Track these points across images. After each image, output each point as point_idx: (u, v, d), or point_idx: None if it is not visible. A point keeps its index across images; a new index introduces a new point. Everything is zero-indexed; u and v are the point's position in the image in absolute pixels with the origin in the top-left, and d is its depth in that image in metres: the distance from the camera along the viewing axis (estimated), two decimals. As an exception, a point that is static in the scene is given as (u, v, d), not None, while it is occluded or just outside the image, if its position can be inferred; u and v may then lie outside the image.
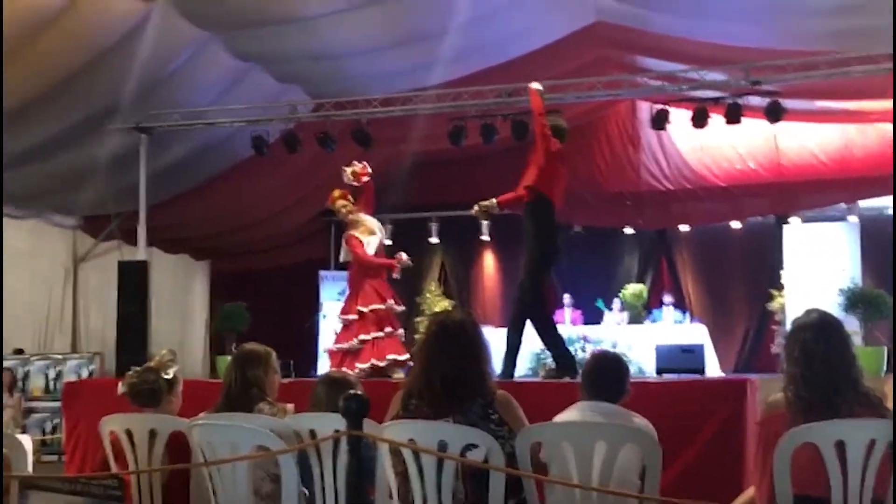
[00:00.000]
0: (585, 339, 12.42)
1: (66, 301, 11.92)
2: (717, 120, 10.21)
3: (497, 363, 6.14)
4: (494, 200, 6.53)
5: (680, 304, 14.57)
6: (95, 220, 11.69)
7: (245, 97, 10.06)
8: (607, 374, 4.04)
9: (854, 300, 10.16)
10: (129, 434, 4.23)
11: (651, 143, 13.60)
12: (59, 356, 11.04)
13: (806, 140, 12.74)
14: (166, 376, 4.53)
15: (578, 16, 9.68)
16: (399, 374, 6.92)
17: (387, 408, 3.81)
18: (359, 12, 8.48)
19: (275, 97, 10.38)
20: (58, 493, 3.49)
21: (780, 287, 12.67)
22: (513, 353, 6.41)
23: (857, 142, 12.48)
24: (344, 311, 7.44)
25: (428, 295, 15.03)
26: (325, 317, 13.88)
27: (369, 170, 7.75)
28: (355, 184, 7.68)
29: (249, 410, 4.27)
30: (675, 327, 13.50)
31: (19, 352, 10.99)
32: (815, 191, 13.21)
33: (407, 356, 7.05)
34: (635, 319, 13.97)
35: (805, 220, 13.55)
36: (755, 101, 9.90)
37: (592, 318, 13.96)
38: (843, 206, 13.71)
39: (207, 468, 3.83)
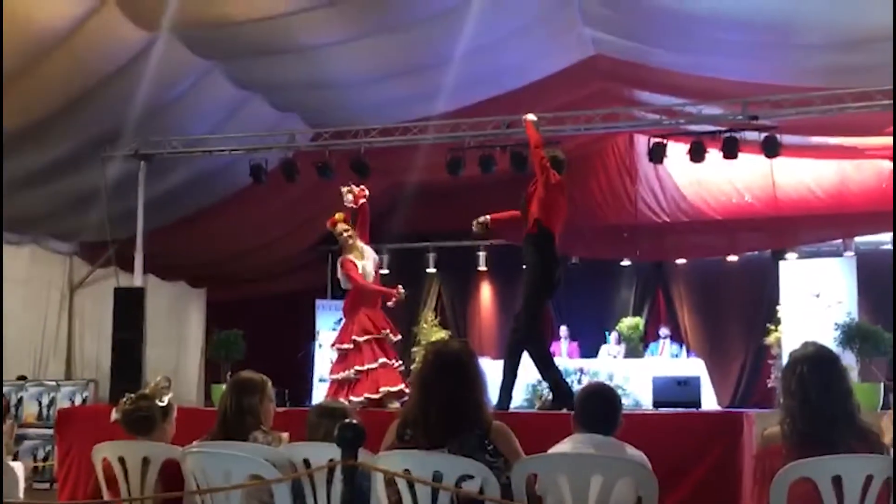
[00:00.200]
0: (582, 371, 12.40)
1: (60, 327, 11.88)
2: (714, 154, 10.25)
3: (493, 394, 6.13)
4: (489, 217, 6.77)
5: (676, 338, 14.56)
6: (92, 246, 11.68)
7: (244, 125, 10.10)
8: (600, 406, 4.03)
9: (850, 335, 10.14)
10: (122, 461, 4.20)
11: (648, 175, 13.65)
12: (53, 382, 10.99)
13: (802, 175, 12.80)
14: (161, 403, 4.50)
15: (577, 49, 9.75)
16: (395, 405, 6.87)
17: (382, 437, 3.79)
18: (358, 43, 8.54)
19: (274, 126, 10.42)
20: (49, 519, 3.46)
21: (776, 322, 12.68)
22: (509, 383, 6.40)
23: (853, 178, 12.54)
24: (339, 341, 7.40)
25: (424, 325, 15.01)
26: (320, 346, 13.85)
27: (366, 192, 7.75)
28: (353, 206, 7.67)
29: (244, 439, 4.25)
30: (672, 360, 13.49)
31: (22, 378, 10.95)
32: (812, 226, 13.25)
33: (402, 386, 7.00)
34: (632, 352, 13.95)
35: (801, 256, 13.58)
36: (752, 135, 9.96)
37: (589, 350, 13.95)
38: (839, 241, 13.75)
39: (200, 496, 3.80)
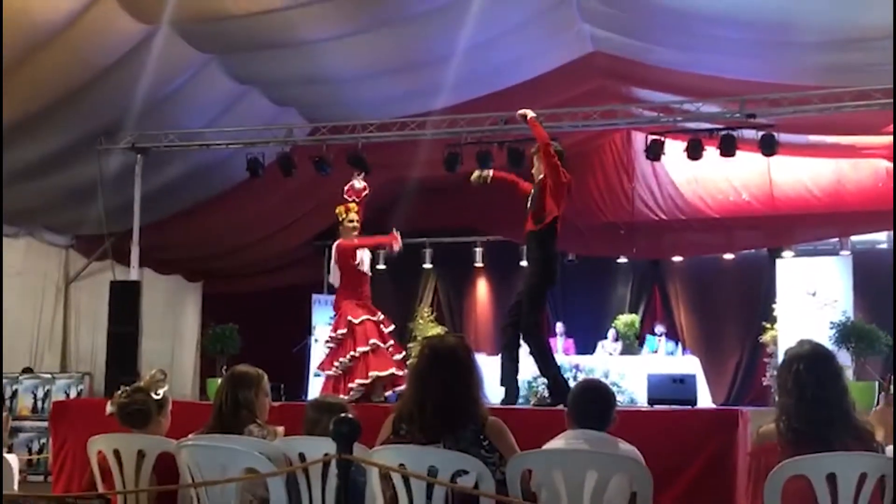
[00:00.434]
0: (577, 368, 12.41)
1: (56, 320, 11.87)
2: (711, 152, 10.26)
3: (489, 390, 6.13)
4: (491, 172, 6.81)
5: (672, 335, 14.58)
6: (88, 239, 11.66)
7: (241, 119, 10.09)
8: (594, 402, 4.03)
9: (846, 334, 10.18)
10: (117, 454, 4.20)
11: (645, 173, 13.64)
12: (48, 375, 10.98)
13: (799, 174, 12.80)
14: (156, 396, 4.50)
15: (576, 46, 9.74)
16: (381, 399, 6.85)
17: (378, 432, 3.79)
18: (356, 38, 8.53)
19: (271, 120, 10.41)
20: (43, 512, 3.46)
21: (772, 320, 12.70)
22: (514, 376, 6.41)
23: (850, 177, 12.55)
24: (333, 330, 7.37)
25: (420, 320, 15.02)
26: (316, 340, 13.84)
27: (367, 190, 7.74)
28: (356, 198, 7.63)
29: (239, 432, 4.25)
30: (668, 358, 13.51)
31: (27, 371, 10.95)
32: (808, 225, 13.26)
33: (392, 370, 6.95)
34: (628, 350, 13.96)
35: (798, 254, 13.60)
36: (749, 133, 9.96)
37: (585, 347, 13.96)
38: (835, 240, 13.77)
39: (195, 489, 3.80)
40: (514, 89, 10.03)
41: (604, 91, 10.98)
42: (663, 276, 15.53)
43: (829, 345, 8.79)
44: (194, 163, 10.75)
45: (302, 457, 3.77)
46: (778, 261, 13.06)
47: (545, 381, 6.79)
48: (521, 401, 10.49)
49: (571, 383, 6.47)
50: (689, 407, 7.68)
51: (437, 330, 14.28)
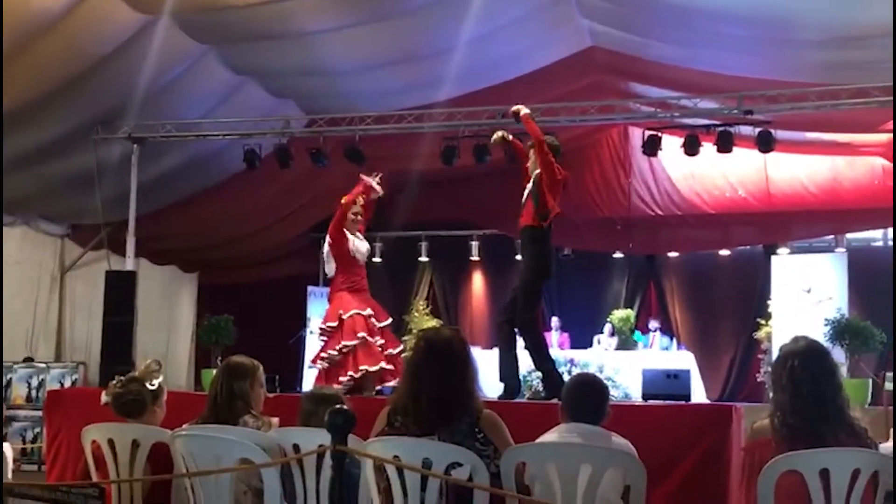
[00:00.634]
0: (572, 362, 12.43)
1: (51, 309, 11.85)
2: (708, 148, 10.27)
3: (485, 384, 6.13)
4: (510, 136, 6.75)
5: (667, 331, 14.60)
6: (84, 228, 11.64)
7: (238, 111, 10.08)
8: (588, 396, 4.04)
9: (840, 331, 10.20)
10: (112, 444, 4.20)
11: (642, 168, 13.66)
12: (43, 364, 10.96)
13: (796, 171, 12.82)
14: (151, 386, 4.50)
15: (574, 40, 9.74)
16: (371, 392, 6.84)
17: (373, 424, 3.79)
18: (355, 30, 8.51)
19: (268, 111, 10.40)
20: (37, 500, 3.45)
21: (766, 316, 12.72)
22: (515, 369, 6.43)
23: (846, 174, 12.58)
24: (323, 322, 7.35)
25: (416, 313, 15.02)
26: (311, 332, 13.83)
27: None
28: (364, 196, 7.54)
29: (234, 423, 4.25)
30: (662, 353, 13.55)
31: (28, 360, 10.93)
32: (804, 222, 13.29)
33: (380, 366, 6.92)
34: (623, 345, 13.99)
35: (793, 251, 13.63)
36: (746, 130, 9.97)
37: (580, 341, 13.98)
38: (830, 237, 13.80)
39: (189, 479, 3.80)
40: (512, 83, 10.03)
41: (602, 86, 10.98)
42: (659, 271, 15.55)
43: (823, 342, 8.80)
44: (191, 153, 10.74)
45: (296, 448, 3.77)
46: (773, 257, 13.08)
47: (539, 375, 6.79)
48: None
49: (566, 378, 6.49)
50: (684, 402, 7.71)
51: (433, 323, 14.28)
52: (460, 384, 3.68)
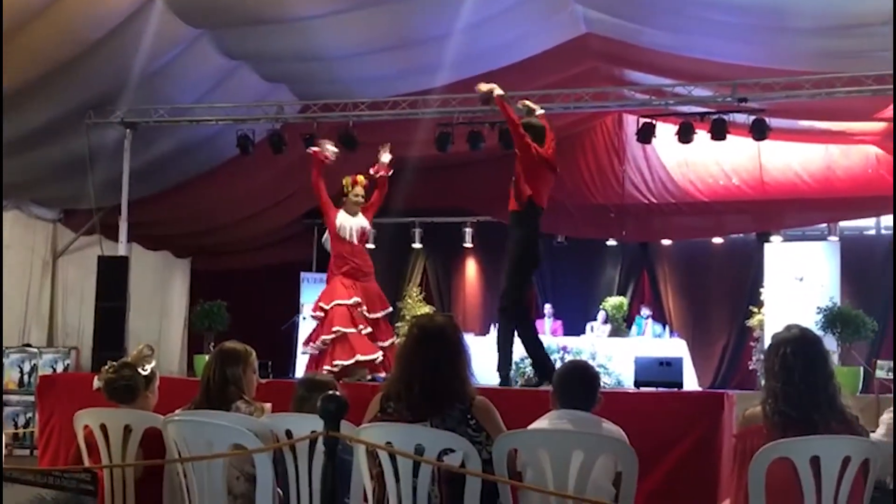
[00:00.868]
0: (565, 349, 12.44)
1: (43, 294, 11.83)
2: (702, 136, 10.27)
3: (479, 371, 6.14)
4: (497, 91, 6.46)
5: (660, 318, 14.63)
6: (76, 213, 11.62)
7: (232, 96, 10.04)
8: (578, 382, 4.05)
9: (832, 319, 10.23)
10: (104, 429, 4.20)
11: (636, 156, 13.66)
12: (35, 349, 10.95)
13: (790, 159, 12.84)
14: (143, 372, 4.50)
15: (569, 27, 9.71)
16: (358, 378, 6.83)
17: (365, 411, 3.80)
18: (349, 15, 8.48)
19: (262, 97, 10.36)
20: (30, 485, 3.45)
21: (759, 304, 12.76)
22: (508, 358, 6.42)
23: (840, 163, 12.60)
24: (313, 308, 7.34)
25: (409, 300, 15.03)
26: (304, 319, 13.83)
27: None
28: (374, 173, 7.45)
29: (227, 408, 4.25)
30: (655, 341, 13.57)
31: (27, 346, 10.92)
32: (798, 210, 13.31)
33: (355, 359, 6.84)
34: (616, 332, 14.01)
35: (786, 239, 13.66)
36: (740, 118, 9.98)
37: (573, 328, 14.00)
38: (824, 225, 13.83)
39: (182, 465, 3.80)
40: (507, 70, 10.00)
41: (596, 73, 10.96)
42: (652, 259, 15.57)
43: (815, 330, 8.85)
44: (184, 138, 10.70)
45: (289, 433, 3.77)
46: (766, 245, 13.10)
47: (530, 361, 6.81)
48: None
49: (558, 365, 6.51)
50: (676, 389, 7.75)
51: (426, 310, 14.29)
52: (453, 371, 3.68)
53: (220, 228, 13.44)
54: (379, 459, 3.47)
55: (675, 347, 12.56)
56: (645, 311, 14.34)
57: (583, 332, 13.92)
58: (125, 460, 4.12)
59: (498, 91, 6.51)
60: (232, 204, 12.54)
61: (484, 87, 6.55)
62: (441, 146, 10.49)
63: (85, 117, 9.58)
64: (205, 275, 14.51)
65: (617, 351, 12.40)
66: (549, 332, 13.62)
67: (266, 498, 3.67)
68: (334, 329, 6.95)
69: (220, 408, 4.24)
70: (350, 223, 7.28)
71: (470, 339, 6.32)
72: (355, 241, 7.29)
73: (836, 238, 13.36)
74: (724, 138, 10.02)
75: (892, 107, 9.31)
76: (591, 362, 6.86)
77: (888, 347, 12.00)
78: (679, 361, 9.30)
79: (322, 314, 7.11)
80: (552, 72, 10.43)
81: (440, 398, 3.62)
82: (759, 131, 9.84)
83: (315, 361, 7.11)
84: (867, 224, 14.12)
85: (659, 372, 8.77)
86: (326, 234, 7.45)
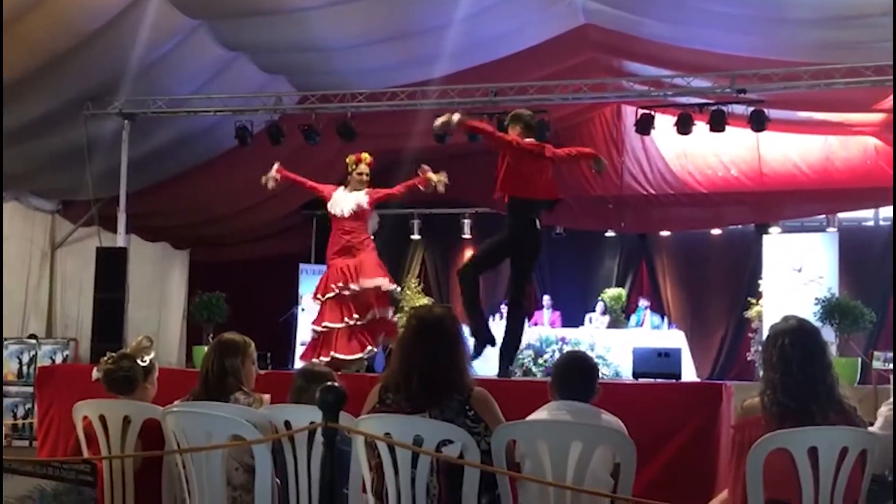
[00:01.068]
0: (563, 340, 12.46)
1: (42, 285, 11.82)
2: (700, 127, 10.27)
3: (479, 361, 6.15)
4: (457, 117, 6.41)
5: (658, 309, 14.64)
6: (74, 204, 11.60)
7: (230, 87, 10.02)
8: (577, 373, 4.06)
9: (830, 310, 10.23)
10: (103, 420, 4.20)
11: (635, 147, 13.64)
12: (33, 340, 10.95)
13: (788, 151, 12.83)
14: (142, 363, 4.50)
15: (567, 18, 9.69)
16: (355, 367, 6.84)
17: (364, 402, 3.80)
18: (348, 6, 8.45)
19: (260, 88, 10.34)
20: (29, 476, 3.46)
21: (757, 295, 12.77)
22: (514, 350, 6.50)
23: (838, 154, 12.59)
24: (313, 296, 7.34)
25: (408, 291, 15.02)
26: (303, 310, 13.83)
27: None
28: (417, 182, 7.35)
29: (225, 399, 4.25)
30: (653, 332, 13.58)
31: (32, 337, 10.92)
32: (796, 201, 13.31)
33: (331, 356, 6.79)
34: (615, 323, 14.02)
35: (785, 230, 13.66)
36: (739, 109, 9.97)
37: (571, 319, 14.01)
38: (822, 216, 13.84)
39: (181, 456, 3.81)
40: (505, 61, 10.00)
41: (595, 64, 10.94)
42: (651, 250, 15.57)
43: (813, 321, 8.85)
44: (182, 130, 10.68)
45: (288, 425, 3.77)
46: (765, 237, 13.11)
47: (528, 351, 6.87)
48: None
49: (557, 356, 6.55)
50: (674, 380, 7.75)
51: (425, 301, 14.29)
52: (451, 362, 3.68)
53: (218, 220, 13.43)
54: (378, 450, 3.48)
55: (673, 338, 12.57)
56: (643, 303, 14.35)
57: (581, 323, 13.93)
58: (124, 451, 4.13)
59: (456, 117, 6.45)
60: (230, 195, 12.52)
61: (440, 120, 6.48)
62: (439, 137, 10.47)
63: (83, 108, 9.57)
64: (203, 266, 14.50)
65: (615, 342, 12.41)
66: (548, 324, 13.63)
67: (265, 489, 3.67)
68: (323, 324, 6.98)
69: (219, 399, 4.24)
70: (342, 199, 7.19)
71: (468, 330, 6.34)
72: (346, 215, 7.19)
73: (835, 229, 13.36)
74: (722, 129, 10.02)
75: (891, 98, 9.31)
76: (589, 353, 6.88)
77: (886, 338, 12.01)
78: (677, 352, 9.31)
79: (319, 304, 7.14)
80: (551, 63, 10.41)
81: (439, 389, 3.62)
82: (758, 122, 9.84)
83: (311, 347, 7.15)
84: (866, 215, 14.13)
85: (657, 363, 8.78)
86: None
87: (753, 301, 12.88)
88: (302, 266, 14.70)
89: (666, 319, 14.43)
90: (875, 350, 10.69)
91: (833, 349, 9.56)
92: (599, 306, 14.13)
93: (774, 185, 13.07)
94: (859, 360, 10.07)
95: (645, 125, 10.74)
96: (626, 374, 10.79)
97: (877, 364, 10.06)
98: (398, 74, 10.09)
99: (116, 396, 4.43)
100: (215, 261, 14.54)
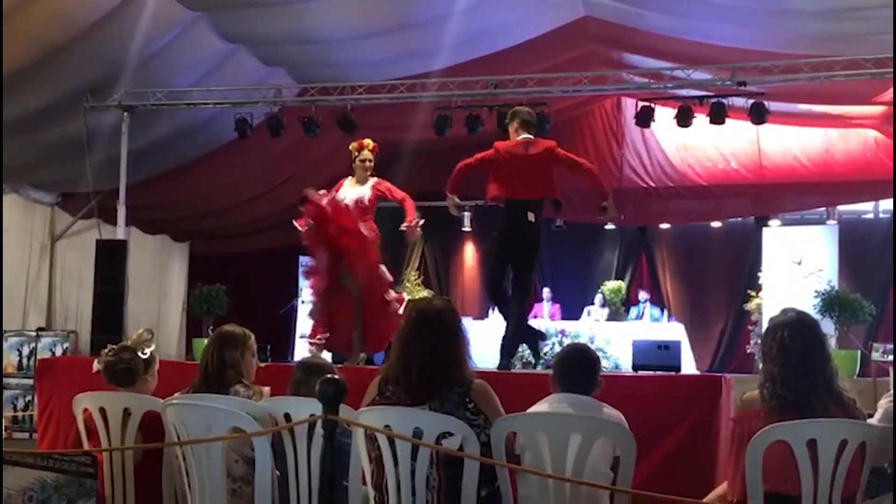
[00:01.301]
0: (563, 333, 12.46)
1: (41, 278, 11.81)
2: (701, 120, 10.26)
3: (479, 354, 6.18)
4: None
5: (658, 302, 14.64)
6: (74, 197, 11.58)
7: (230, 79, 10.00)
8: (579, 366, 4.05)
9: (830, 303, 10.24)
10: (103, 412, 4.20)
11: (635, 140, 13.64)
12: (33, 333, 10.95)
13: (788, 143, 12.83)
14: (143, 355, 4.50)
15: (567, 10, 9.68)
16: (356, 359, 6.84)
17: (364, 394, 3.80)
18: (348, -2, 8.46)
19: (259, 80, 10.33)
20: (30, 468, 3.46)
21: (757, 288, 12.77)
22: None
23: (838, 146, 12.59)
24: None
25: (407, 284, 15.02)
26: (303, 302, 13.84)
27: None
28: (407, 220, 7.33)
29: (225, 392, 4.25)
30: (653, 325, 13.59)
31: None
32: (796, 194, 13.31)
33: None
34: (614, 316, 14.03)
35: (784, 223, 13.66)
36: (739, 102, 9.96)
37: (571, 312, 14.01)
38: (822, 209, 13.83)
39: (181, 448, 3.81)
40: (505, 53, 9.98)
41: (595, 56, 10.93)
42: (650, 242, 15.58)
43: (813, 313, 8.84)
44: (182, 122, 10.67)
45: (288, 417, 3.78)
46: (765, 229, 13.11)
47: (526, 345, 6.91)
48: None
49: (557, 348, 6.57)
50: (674, 373, 7.75)
51: (424, 293, 14.30)
52: (451, 354, 3.68)
53: (218, 212, 13.42)
54: (377, 443, 3.48)
55: (673, 331, 12.57)
56: (643, 295, 14.35)
57: (580, 316, 13.93)
58: (124, 444, 4.13)
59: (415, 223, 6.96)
60: (230, 187, 12.52)
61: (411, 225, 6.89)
62: (439, 130, 10.48)
63: (82, 100, 9.56)
64: (203, 258, 14.50)
65: (615, 334, 12.41)
66: (548, 316, 13.63)
67: (265, 481, 3.68)
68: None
69: (219, 391, 4.24)
70: (347, 193, 7.11)
71: (468, 323, 6.33)
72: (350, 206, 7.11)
73: (835, 222, 13.36)
74: (722, 122, 10.02)
75: (891, 90, 9.30)
76: (589, 346, 6.87)
77: (885, 331, 12.03)
78: (677, 345, 9.30)
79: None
80: (550, 55, 10.40)
81: (438, 382, 3.63)
82: (758, 115, 9.83)
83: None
84: (865, 208, 14.12)
85: (657, 355, 8.77)
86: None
87: (753, 294, 12.89)
88: (302, 259, 14.67)
89: (665, 312, 14.44)
90: (875, 343, 10.69)
91: (832, 342, 9.57)
92: (598, 298, 14.14)
93: (774, 178, 13.07)
94: (859, 352, 10.08)
95: (645, 118, 10.73)
96: (626, 367, 10.79)
97: (875, 356, 10.07)
98: (398, 67, 10.08)
99: (117, 388, 4.43)
100: (215, 253, 14.54)
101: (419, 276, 15.63)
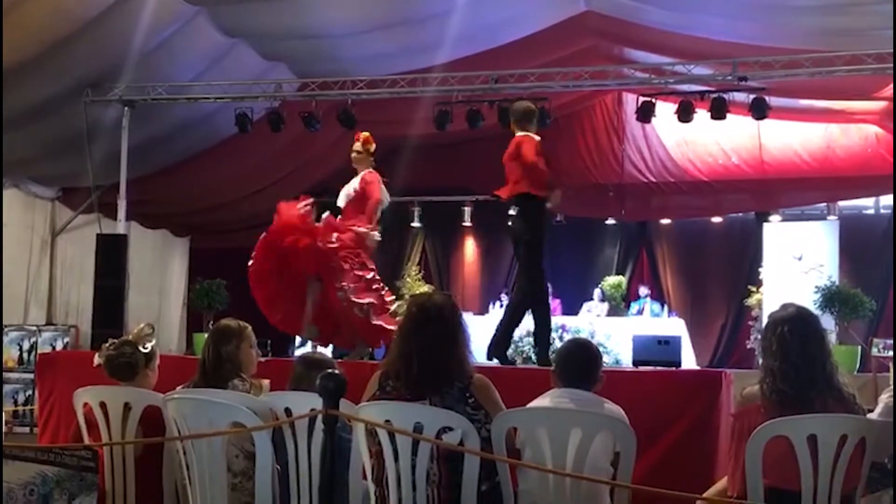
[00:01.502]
0: (563, 328, 12.45)
1: (42, 272, 11.82)
2: (702, 115, 10.25)
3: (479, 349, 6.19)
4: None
5: (658, 297, 14.64)
6: (75, 191, 11.59)
7: (230, 74, 9.99)
8: (580, 361, 4.05)
9: (830, 298, 10.23)
10: (104, 406, 4.21)
11: (636, 135, 13.63)
12: (34, 327, 10.96)
13: (789, 138, 12.82)
14: (144, 350, 4.51)
15: (568, 5, 9.67)
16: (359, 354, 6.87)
17: (364, 389, 3.81)
18: (348, -8, 8.45)
19: (260, 75, 10.31)
20: (30, 462, 3.47)
21: (758, 283, 12.77)
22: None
23: (839, 142, 12.58)
24: None
25: (408, 279, 15.01)
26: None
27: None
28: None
29: (223, 386, 4.26)
30: (653, 320, 13.58)
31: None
32: (797, 189, 13.31)
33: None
34: (614, 311, 14.02)
35: (785, 218, 13.66)
36: (740, 97, 9.95)
37: (571, 307, 14.01)
38: (823, 204, 13.83)
39: (181, 442, 3.82)
40: (506, 48, 9.97)
41: (595, 51, 10.92)
42: (651, 238, 15.56)
43: (813, 309, 8.84)
44: (182, 117, 10.66)
45: (288, 412, 3.78)
46: (765, 225, 13.09)
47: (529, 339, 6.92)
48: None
49: (557, 343, 6.58)
50: (674, 368, 7.76)
51: (425, 288, 14.29)
52: (451, 349, 3.69)
53: (218, 207, 13.42)
54: (378, 438, 3.49)
55: (673, 326, 12.56)
56: (644, 290, 14.35)
57: (580, 311, 13.92)
58: (125, 438, 4.14)
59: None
60: (230, 182, 12.51)
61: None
62: (440, 125, 10.46)
63: (83, 95, 9.54)
64: (204, 253, 14.49)
65: (615, 330, 12.41)
66: (548, 311, 13.60)
67: (265, 475, 3.69)
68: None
69: (217, 386, 4.25)
70: (345, 189, 7.23)
71: (469, 318, 6.34)
72: (341, 204, 7.27)
73: (835, 217, 13.35)
74: (723, 117, 10.00)
75: (891, 85, 9.29)
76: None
77: (886, 327, 12.02)
78: (677, 340, 9.32)
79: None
80: (551, 50, 10.39)
81: (439, 377, 3.63)
82: (759, 110, 9.82)
83: None
84: (866, 203, 14.12)
85: (657, 351, 8.79)
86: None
87: (753, 289, 12.88)
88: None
89: (666, 307, 14.43)
90: (875, 338, 10.68)
91: (833, 337, 9.57)
92: (597, 293, 14.12)
93: (775, 173, 13.06)
94: (859, 348, 10.07)
95: (646, 113, 10.72)
96: (626, 362, 10.80)
97: (875, 351, 10.07)
98: (398, 61, 10.07)
99: (117, 382, 4.44)
100: (216, 248, 14.52)
101: (419, 271, 15.61)
